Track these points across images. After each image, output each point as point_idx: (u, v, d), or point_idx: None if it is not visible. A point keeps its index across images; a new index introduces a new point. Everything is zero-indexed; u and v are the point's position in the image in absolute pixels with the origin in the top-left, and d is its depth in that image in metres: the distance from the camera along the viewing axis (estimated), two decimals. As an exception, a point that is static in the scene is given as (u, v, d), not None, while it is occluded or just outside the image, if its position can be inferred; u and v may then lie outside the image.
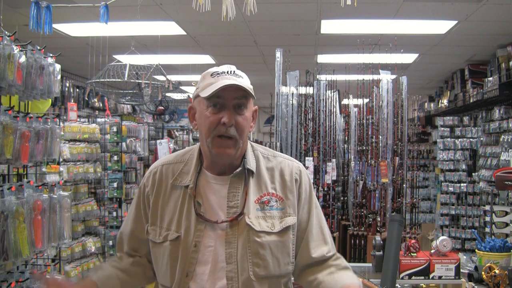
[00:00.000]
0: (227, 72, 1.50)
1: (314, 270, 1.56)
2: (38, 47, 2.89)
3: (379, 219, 4.18)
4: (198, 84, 1.54)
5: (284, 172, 1.59)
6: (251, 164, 1.56)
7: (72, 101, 7.39)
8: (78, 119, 5.47)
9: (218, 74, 1.49)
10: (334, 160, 4.32)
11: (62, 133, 4.85)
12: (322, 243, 1.58)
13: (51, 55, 3.03)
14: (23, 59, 2.72)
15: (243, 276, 1.46)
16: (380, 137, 4.27)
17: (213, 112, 1.48)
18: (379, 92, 4.35)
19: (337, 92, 4.64)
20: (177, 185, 1.56)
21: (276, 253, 1.49)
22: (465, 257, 3.55)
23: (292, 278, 1.62)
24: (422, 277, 2.79)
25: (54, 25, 4.04)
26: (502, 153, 5.89)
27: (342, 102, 5.29)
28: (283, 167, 1.60)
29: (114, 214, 5.82)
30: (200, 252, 1.48)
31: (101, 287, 1.52)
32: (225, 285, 1.46)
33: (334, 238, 4.15)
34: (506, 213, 4.24)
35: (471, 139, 7.51)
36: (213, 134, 1.48)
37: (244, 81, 1.50)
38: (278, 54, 4.38)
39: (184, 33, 5.74)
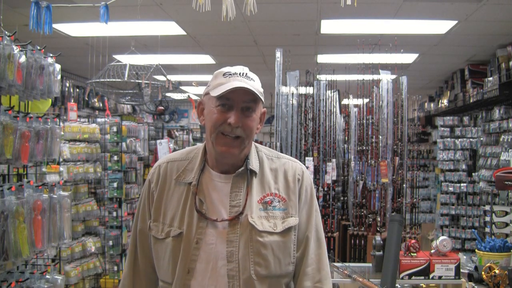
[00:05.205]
0: (239, 74, 1.50)
1: None
2: (38, 47, 2.89)
3: (379, 219, 4.17)
4: (210, 83, 1.55)
5: (287, 173, 1.60)
6: (253, 165, 1.57)
7: (72, 101, 7.39)
8: (78, 119, 5.46)
9: (230, 74, 1.50)
10: (334, 160, 4.32)
11: (62, 133, 4.85)
12: (316, 270, 1.56)
13: (51, 55, 3.02)
14: (23, 59, 2.72)
15: (245, 275, 1.47)
16: (380, 137, 4.27)
17: (221, 111, 1.49)
18: (379, 92, 4.35)
19: (337, 92, 4.64)
20: (180, 181, 1.58)
21: (277, 253, 1.50)
22: (465, 257, 3.56)
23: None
24: (422, 277, 2.79)
25: (54, 25, 4.05)
26: (502, 153, 5.89)
27: (342, 102, 5.28)
28: (286, 169, 1.61)
29: (114, 214, 5.81)
30: (202, 249, 1.49)
31: None
32: (226, 283, 1.47)
33: (334, 238, 4.15)
34: (506, 213, 4.24)
35: (471, 139, 7.51)
36: (218, 130, 1.50)
37: (255, 84, 1.51)
38: (278, 54, 4.38)
39: (184, 33, 5.74)
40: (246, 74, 1.52)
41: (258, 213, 1.52)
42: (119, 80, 4.99)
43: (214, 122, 1.50)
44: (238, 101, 1.49)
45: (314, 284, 1.55)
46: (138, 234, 1.64)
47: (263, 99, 1.54)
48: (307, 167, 4.12)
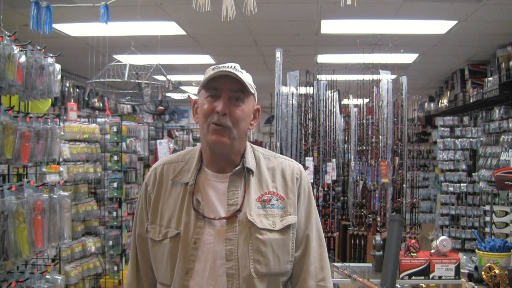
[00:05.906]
0: (228, 66, 1.53)
1: None
2: (38, 47, 2.89)
3: (379, 219, 4.18)
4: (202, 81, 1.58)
5: (285, 172, 1.61)
6: (250, 163, 1.58)
7: (72, 101, 7.39)
8: (78, 119, 5.47)
9: (219, 67, 1.53)
10: (334, 160, 4.32)
11: (62, 133, 4.85)
12: (319, 269, 1.58)
13: (51, 55, 3.02)
14: (23, 59, 2.72)
15: (244, 273, 1.46)
16: (380, 137, 4.27)
17: (210, 101, 1.52)
18: (379, 92, 4.35)
19: (337, 92, 4.64)
20: (177, 182, 1.58)
21: (277, 251, 1.50)
22: (465, 257, 3.56)
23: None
24: (422, 277, 2.79)
25: (54, 25, 4.04)
26: (502, 153, 5.89)
27: (342, 102, 5.29)
28: (284, 167, 1.62)
29: (114, 214, 5.81)
30: (200, 249, 1.49)
31: None
32: (224, 282, 1.46)
33: (334, 238, 4.15)
34: (506, 213, 4.24)
35: (471, 139, 7.51)
36: (208, 120, 1.51)
37: (243, 76, 1.53)
38: (278, 54, 4.38)
39: (184, 33, 5.74)
40: (235, 67, 1.54)
41: (257, 211, 1.52)
42: (119, 80, 4.99)
43: (204, 113, 1.52)
44: (225, 89, 1.51)
45: (317, 282, 1.56)
46: (137, 238, 1.63)
47: (253, 92, 1.56)
48: (307, 167, 4.13)
